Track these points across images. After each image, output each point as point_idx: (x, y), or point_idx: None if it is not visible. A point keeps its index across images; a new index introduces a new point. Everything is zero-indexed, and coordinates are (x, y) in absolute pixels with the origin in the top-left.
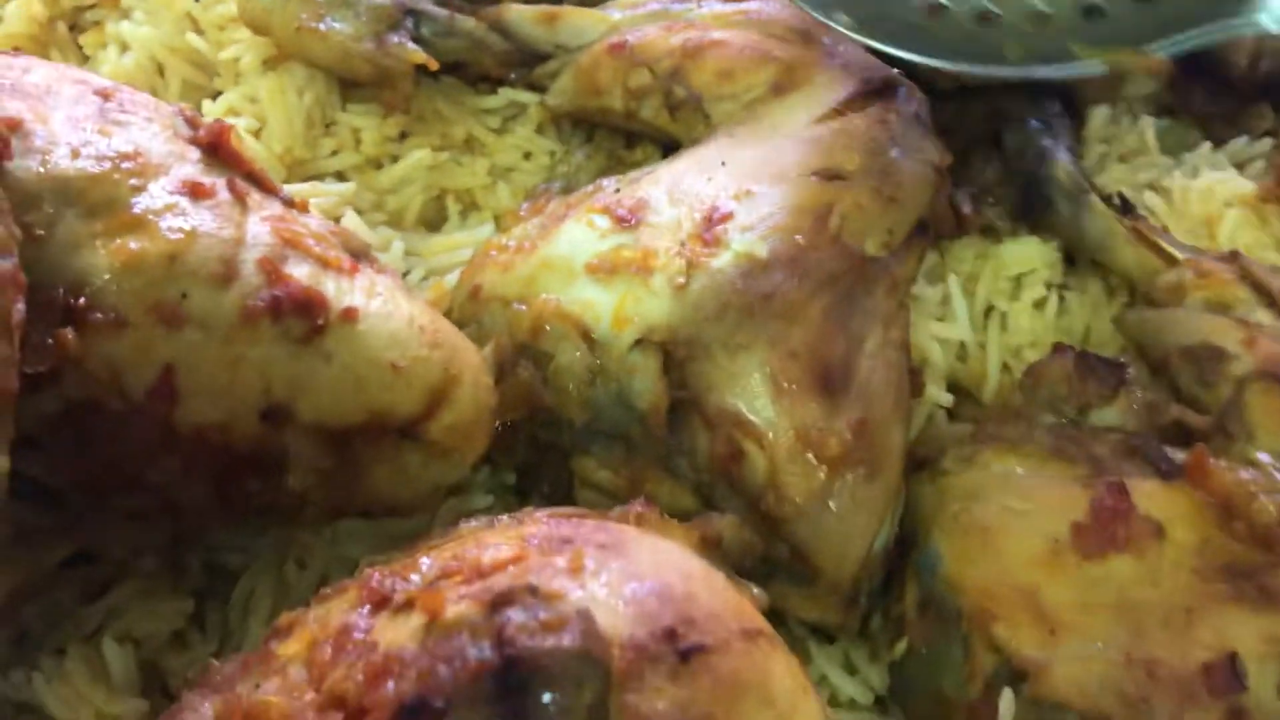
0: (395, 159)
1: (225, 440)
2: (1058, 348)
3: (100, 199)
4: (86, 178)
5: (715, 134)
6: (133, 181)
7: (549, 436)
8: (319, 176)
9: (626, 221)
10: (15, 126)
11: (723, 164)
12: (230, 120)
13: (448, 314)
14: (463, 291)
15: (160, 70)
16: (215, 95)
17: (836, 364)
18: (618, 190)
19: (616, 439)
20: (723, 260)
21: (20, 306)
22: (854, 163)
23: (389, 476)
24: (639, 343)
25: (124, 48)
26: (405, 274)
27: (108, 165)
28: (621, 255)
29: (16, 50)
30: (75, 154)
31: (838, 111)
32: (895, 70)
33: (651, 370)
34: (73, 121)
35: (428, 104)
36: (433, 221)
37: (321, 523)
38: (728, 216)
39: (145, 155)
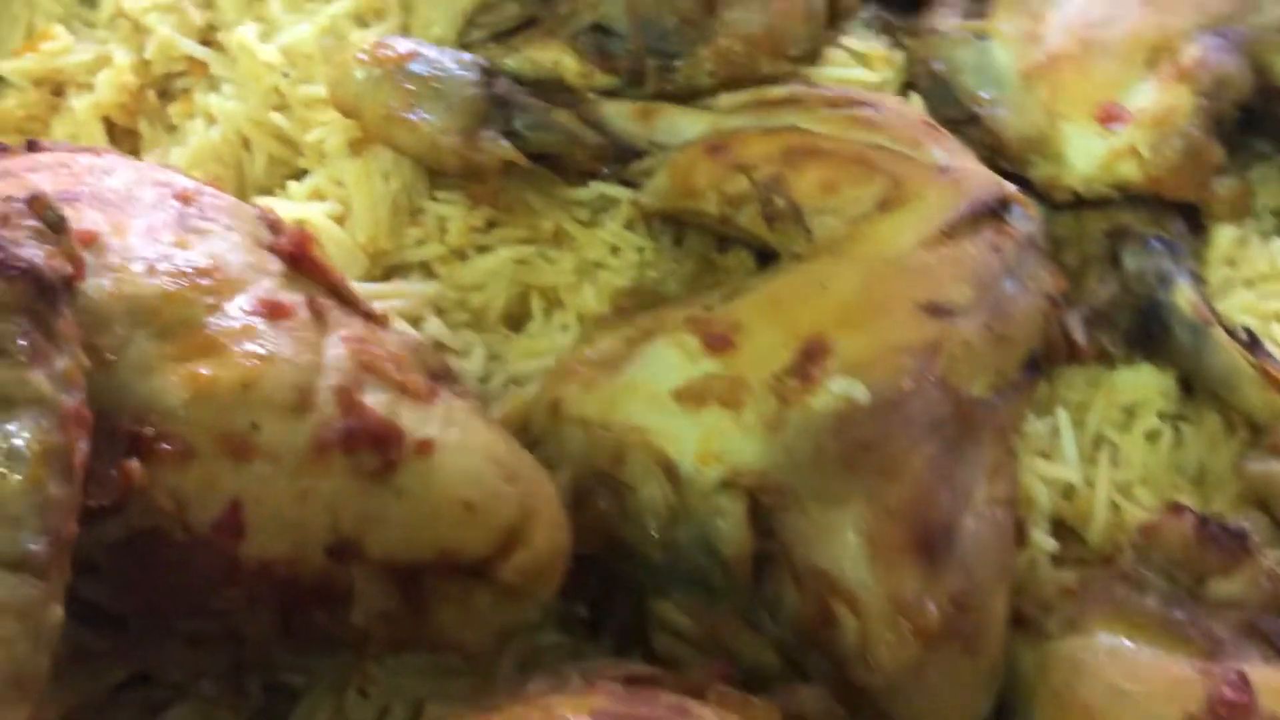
0: (481, 249)
1: (291, 573)
2: (1175, 508)
3: (174, 319)
4: (161, 296)
5: (815, 250)
6: (208, 300)
7: (625, 571)
8: (403, 267)
9: (718, 346)
10: (91, 241)
11: (823, 287)
12: (315, 205)
13: (525, 428)
14: (542, 406)
15: (246, 144)
16: (301, 174)
17: (938, 525)
18: (709, 308)
19: (697, 583)
20: (820, 402)
21: (84, 445)
22: (964, 296)
23: (456, 616)
24: (726, 484)
25: (211, 120)
26: (484, 380)
27: (184, 283)
28: (711, 384)
29: (97, 149)
30: (151, 270)
31: (947, 233)
32: (1011, 185)
33: (738, 515)
34: (151, 232)
35: (516, 194)
36: (516, 319)
37: (385, 653)
38: (827, 352)
39: (224, 270)
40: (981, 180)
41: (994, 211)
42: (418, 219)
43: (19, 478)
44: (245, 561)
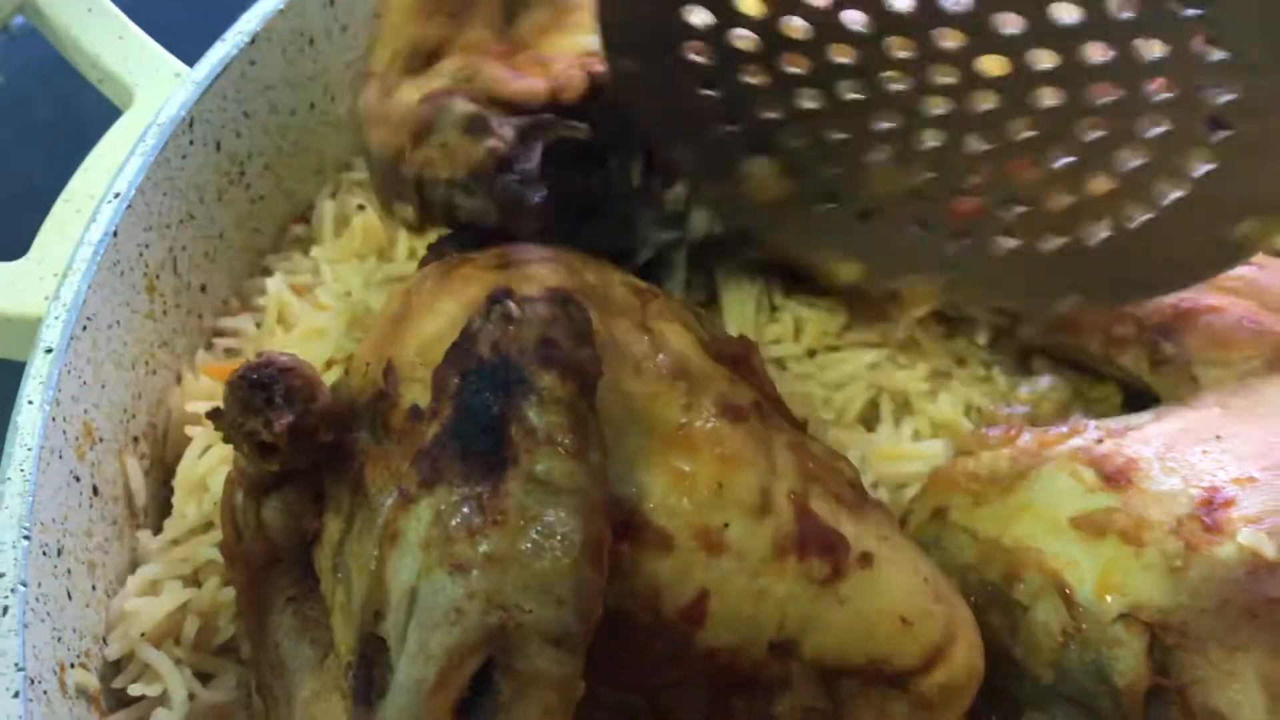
0: (831, 349)
1: (732, 661)
2: None
3: (657, 416)
4: (648, 394)
5: (1204, 399)
6: (683, 400)
7: (1005, 686)
8: None
9: (1116, 481)
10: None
11: (1219, 438)
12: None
13: (904, 530)
14: (926, 510)
15: None
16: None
17: None
18: (1100, 440)
19: (1081, 707)
20: (1226, 551)
21: (609, 534)
22: None
23: None
24: (1126, 616)
25: None
26: None
27: (663, 383)
28: (1112, 518)
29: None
30: (638, 369)
31: None
32: None
33: (1136, 648)
34: (630, 331)
35: (873, 302)
36: (867, 422)
37: None
38: (1230, 502)
39: (689, 371)
40: None
41: None
42: (776, 316)
43: (567, 562)
44: (697, 647)
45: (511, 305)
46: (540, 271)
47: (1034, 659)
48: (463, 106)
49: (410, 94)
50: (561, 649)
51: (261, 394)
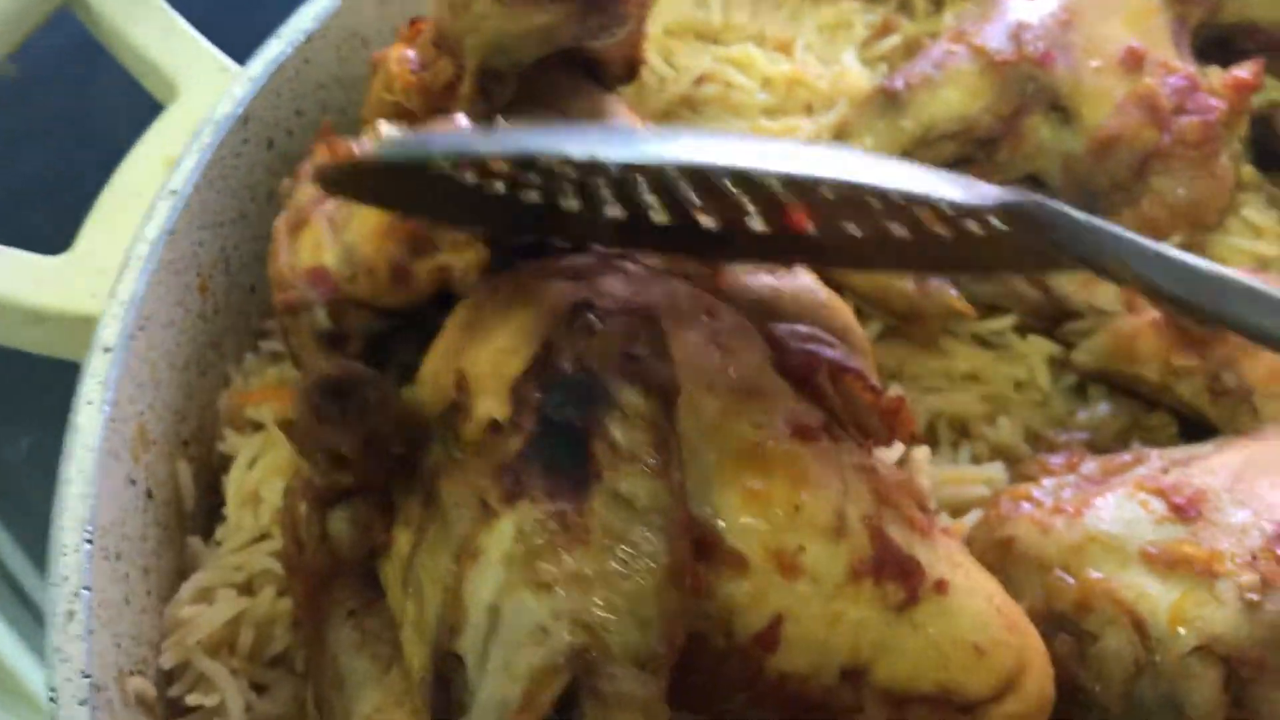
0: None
1: (802, 688)
2: None
3: (730, 434)
4: (721, 411)
5: (1266, 431)
6: (756, 419)
7: (1072, 714)
8: None
9: (1185, 512)
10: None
11: None
12: None
13: None
14: (989, 538)
15: None
16: None
17: None
18: (1166, 470)
19: None
20: None
21: (690, 554)
22: None
23: None
24: (1200, 650)
25: None
26: None
27: (736, 400)
28: (1183, 550)
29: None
30: (711, 386)
31: None
32: None
33: (1212, 682)
34: (699, 346)
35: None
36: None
37: None
38: None
39: (760, 389)
40: None
41: None
42: None
43: (652, 582)
44: (768, 672)
45: (593, 318)
46: (614, 284)
47: (1105, 690)
48: (320, 320)
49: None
50: (646, 671)
51: (337, 405)
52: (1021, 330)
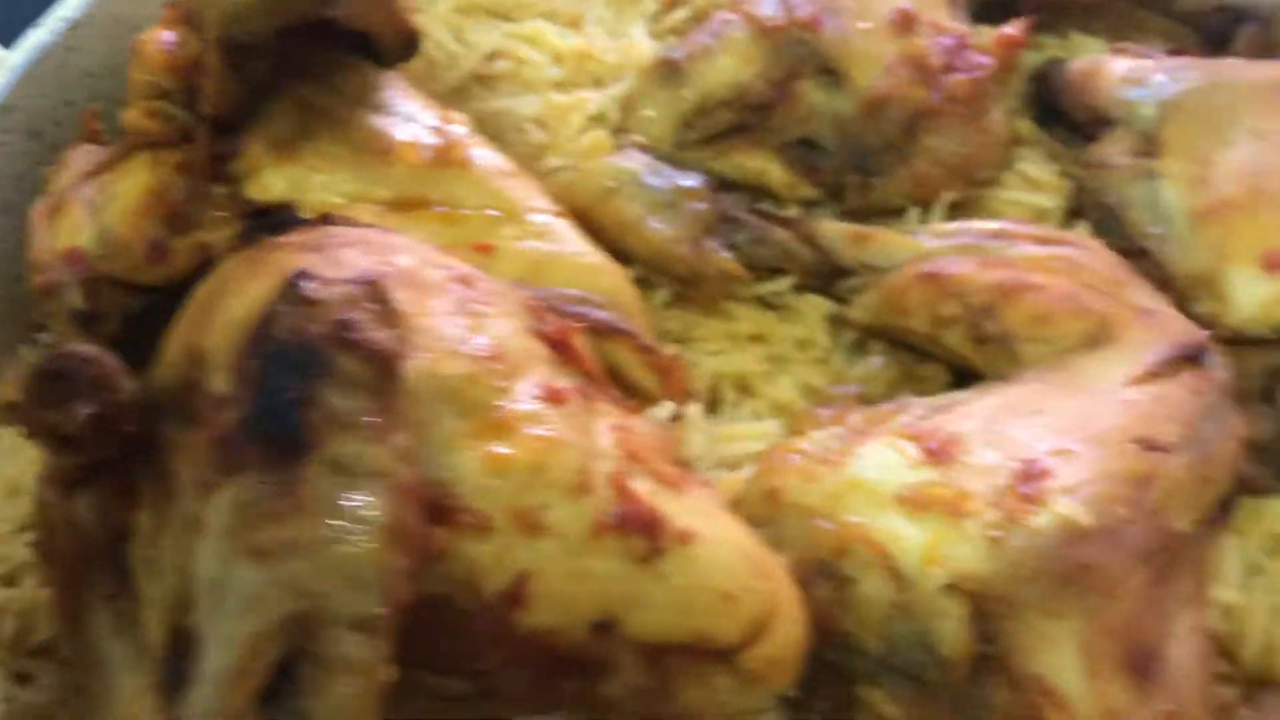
0: (679, 341)
1: (555, 644)
2: None
3: (473, 399)
4: (463, 377)
5: (1024, 376)
6: (500, 383)
7: (836, 658)
8: None
9: (939, 456)
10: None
11: (1039, 412)
12: None
13: (739, 509)
14: (759, 491)
15: None
16: None
17: (1148, 649)
18: (924, 417)
19: (910, 677)
20: (1043, 521)
21: (416, 517)
22: (1173, 434)
23: (699, 698)
24: (950, 587)
25: None
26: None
27: (480, 365)
28: (934, 492)
29: (383, 227)
30: (452, 352)
31: (1153, 373)
32: (1204, 332)
33: (959, 617)
34: (445, 314)
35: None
36: (709, 405)
37: None
38: (1047, 474)
39: (508, 354)
40: (1182, 325)
41: (1194, 357)
42: None
43: (369, 546)
44: (519, 630)
45: (310, 287)
46: (349, 254)
47: (863, 631)
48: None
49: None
50: (365, 634)
51: (61, 386)
52: (800, 290)
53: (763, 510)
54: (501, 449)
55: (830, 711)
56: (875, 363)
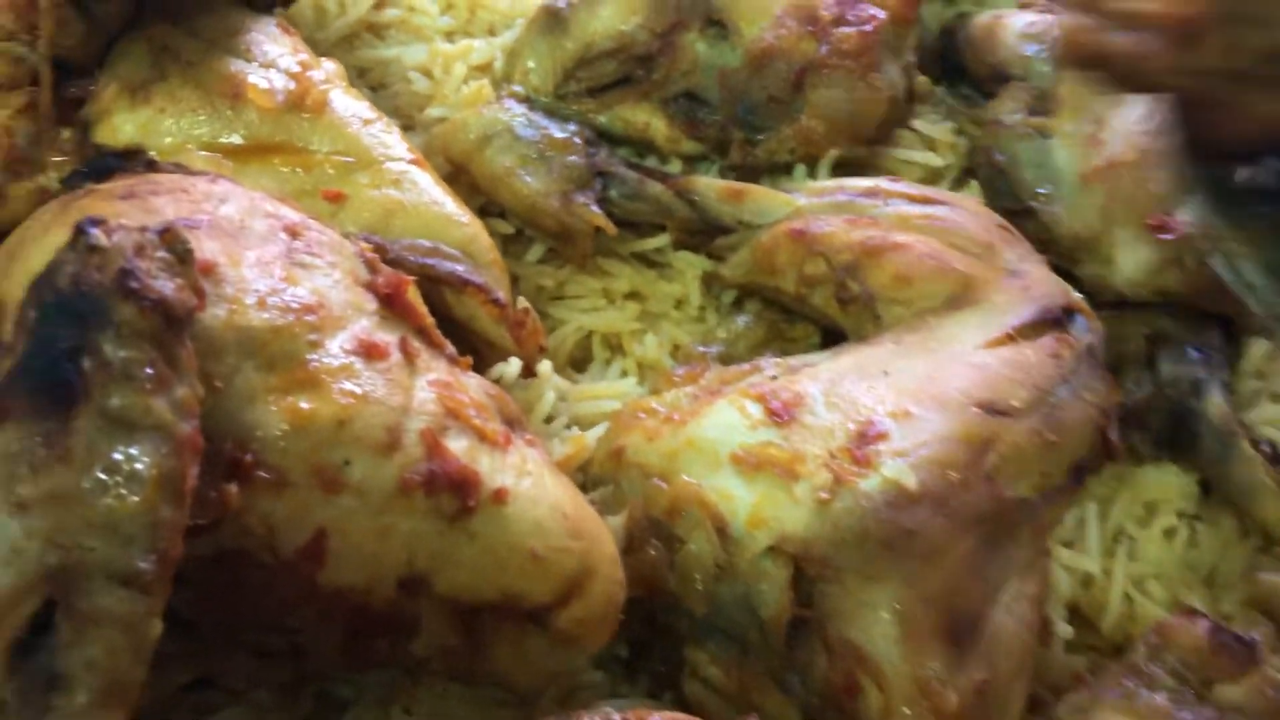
0: (554, 300)
1: (362, 601)
2: (1190, 611)
3: (279, 352)
4: (269, 329)
5: (882, 336)
6: (311, 336)
7: (667, 619)
8: None
9: (779, 416)
10: (209, 271)
11: (886, 374)
12: None
13: (587, 467)
14: (605, 449)
15: None
16: None
17: (969, 616)
18: (775, 377)
19: (733, 639)
20: (871, 484)
21: (194, 471)
22: (1020, 399)
23: (510, 657)
24: (772, 549)
25: None
26: (549, 420)
27: (291, 317)
28: (768, 453)
29: (212, 174)
30: (262, 304)
31: (1011, 336)
32: (1076, 295)
33: (780, 580)
34: (262, 264)
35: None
36: (578, 362)
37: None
38: (882, 435)
39: (327, 307)
40: (1049, 288)
41: (1058, 320)
42: None
43: (136, 499)
44: (322, 587)
45: (97, 235)
46: (160, 202)
47: (688, 592)
48: None
49: None
50: (130, 588)
51: None
52: (679, 248)
53: (607, 469)
54: (304, 403)
55: (659, 673)
56: (740, 322)
